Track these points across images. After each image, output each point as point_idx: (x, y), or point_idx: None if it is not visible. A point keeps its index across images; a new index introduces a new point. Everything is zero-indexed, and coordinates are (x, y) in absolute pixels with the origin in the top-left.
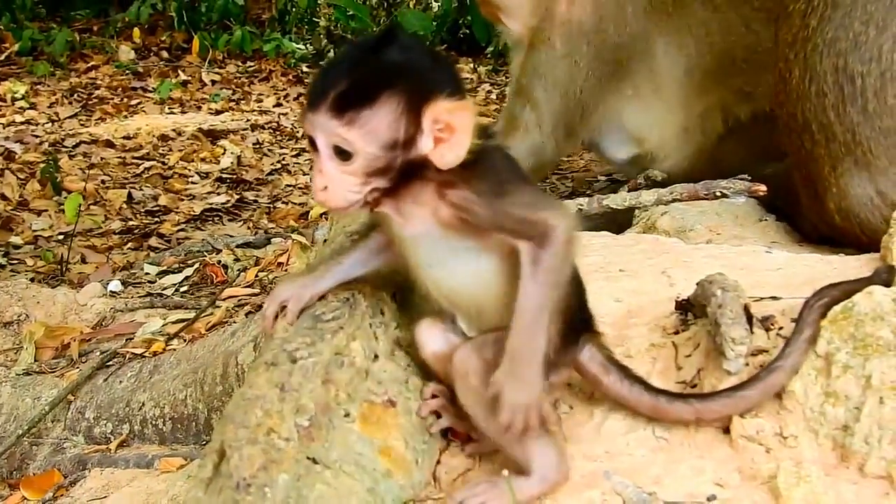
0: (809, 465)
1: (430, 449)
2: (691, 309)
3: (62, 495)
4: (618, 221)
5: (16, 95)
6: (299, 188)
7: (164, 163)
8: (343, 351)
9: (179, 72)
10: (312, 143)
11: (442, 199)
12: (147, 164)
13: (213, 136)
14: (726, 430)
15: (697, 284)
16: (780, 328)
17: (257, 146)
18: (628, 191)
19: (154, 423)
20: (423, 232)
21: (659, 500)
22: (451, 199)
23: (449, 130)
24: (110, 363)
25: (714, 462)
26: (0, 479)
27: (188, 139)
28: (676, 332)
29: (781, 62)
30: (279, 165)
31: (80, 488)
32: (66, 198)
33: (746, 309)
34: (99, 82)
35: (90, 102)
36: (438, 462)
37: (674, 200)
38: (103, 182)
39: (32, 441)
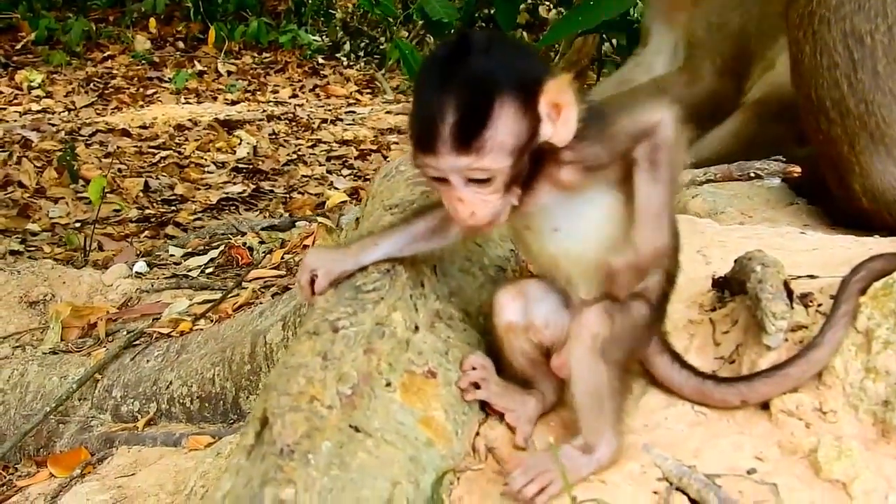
0: (850, 439)
1: (469, 420)
2: (728, 286)
3: (89, 472)
4: None
5: (32, 84)
6: (315, 178)
7: (180, 152)
8: (384, 321)
9: (195, 62)
10: (437, 179)
11: (559, 164)
12: (163, 153)
13: (229, 126)
14: (765, 406)
15: (735, 261)
16: (819, 304)
17: (273, 137)
18: None
19: (181, 401)
20: (546, 202)
21: (698, 473)
22: (567, 160)
23: (558, 109)
24: (137, 342)
25: (753, 437)
26: (27, 456)
27: (204, 129)
28: (713, 310)
29: (793, 45)
30: (295, 156)
31: (107, 465)
32: (83, 186)
33: (786, 284)
34: (115, 72)
35: (106, 92)
36: (477, 433)
37: (708, 181)
38: (120, 171)
39: (59, 419)
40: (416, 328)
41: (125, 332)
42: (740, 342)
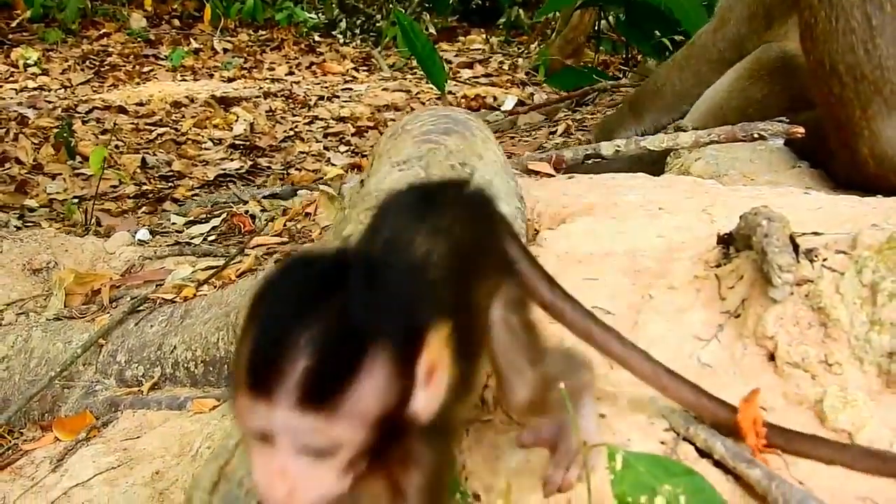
0: (855, 390)
1: (477, 369)
2: (734, 243)
3: (95, 436)
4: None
5: (28, 62)
6: (312, 155)
7: (177, 129)
8: None
9: (191, 40)
10: (259, 434)
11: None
12: (160, 130)
13: (226, 103)
14: (771, 358)
15: (741, 217)
16: (825, 259)
17: (270, 113)
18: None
19: (186, 365)
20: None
21: (705, 424)
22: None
23: (433, 372)
24: (141, 308)
25: (759, 388)
26: (32, 421)
27: (201, 106)
28: (719, 266)
29: (806, 9)
30: (292, 133)
31: (112, 429)
32: (80, 162)
33: (792, 239)
34: (111, 49)
35: (102, 69)
36: (486, 385)
37: (712, 142)
38: (117, 147)
39: (64, 384)
40: None
41: (129, 299)
42: (746, 296)
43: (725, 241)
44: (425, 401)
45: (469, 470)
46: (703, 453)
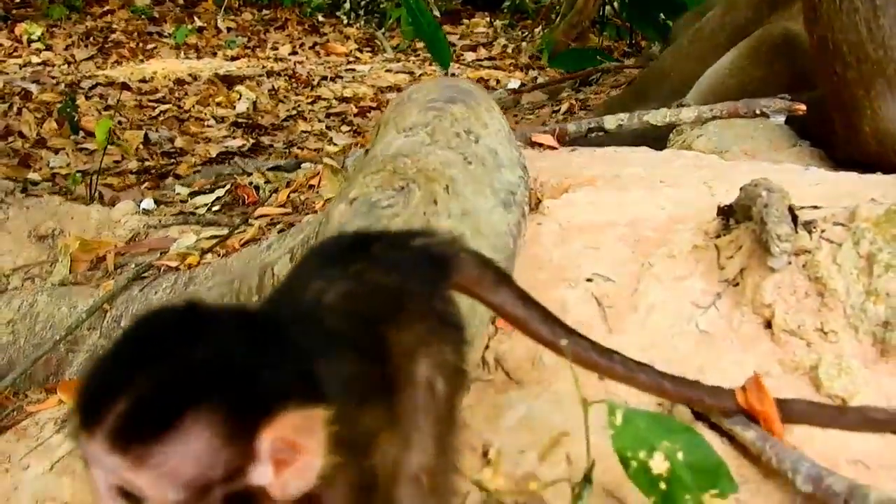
0: (850, 358)
1: (479, 333)
2: (733, 214)
3: None
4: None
5: (32, 37)
6: (314, 134)
7: (179, 106)
8: None
9: (195, 18)
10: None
11: None
12: (163, 107)
13: (229, 81)
14: (768, 325)
15: (741, 189)
16: (823, 231)
17: (273, 92)
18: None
19: None
20: None
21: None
22: None
23: (295, 451)
24: (145, 275)
25: (756, 355)
26: (37, 384)
27: (204, 84)
28: (718, 236)
29: None
30: (294, 112)
31: None
32: (83, 137)
33: (791, 209)
34: (115, 26)
35: (106, 46)
36: (487, 347)
37: (714, 118)
38: (120, 123)
39: (69, 348)
40: None
41: (133, 266)
42: (744, 266)
43: (725, 212)
44: (278, 480)
45: (471, 427)
46: (699, 415)
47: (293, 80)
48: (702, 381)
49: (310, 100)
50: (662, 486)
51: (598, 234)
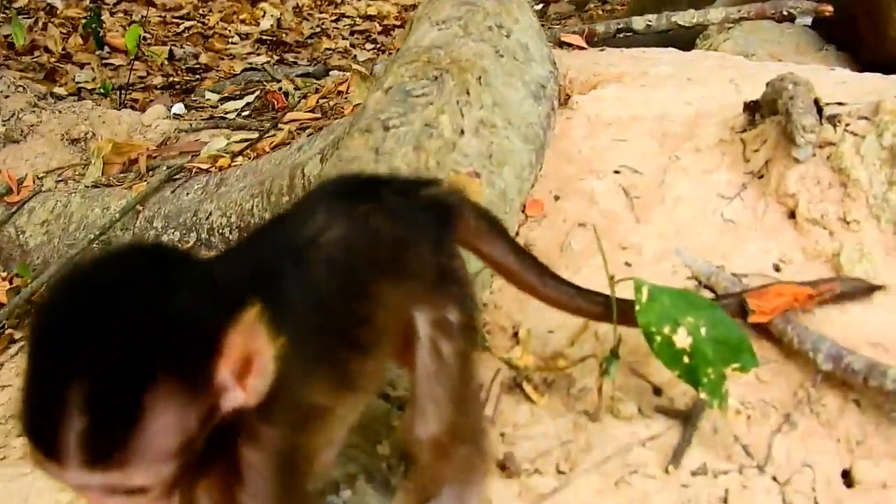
0: (871, 245)
1: (510, 219)
2: (759, 110)
3: None
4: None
5: None
6: (338, 52)
7: (204, 23)
8: (432, 123)
9: None
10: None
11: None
12: (188, 23)
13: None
14: (792, 215)
15: (767, 84)
16: (847, 124)
17: (297, 10)
18: None
19: (221, 231)
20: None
21: (726, 272)
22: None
23: (249, 361)
24: (177, 177)
25: (779, 243)
26: None
27: (228, 1)
28: (744, 131)
29: None
30: (318, 29)
31: None
32: (108, 52)
33: (816, 102)
34: None
35: None
36: (517, 233)
37: (741, 19)
38: (145, 39)
39: (101, 248)
40: (462, 132)
41: (165, 168)
42: (769, 158)
43: (751, 108)
44: (248, 391)
45: (500, 307)
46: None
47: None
48: (726, 267)
49: (334, 17)
50: (686, 359)
51: (625, 128)
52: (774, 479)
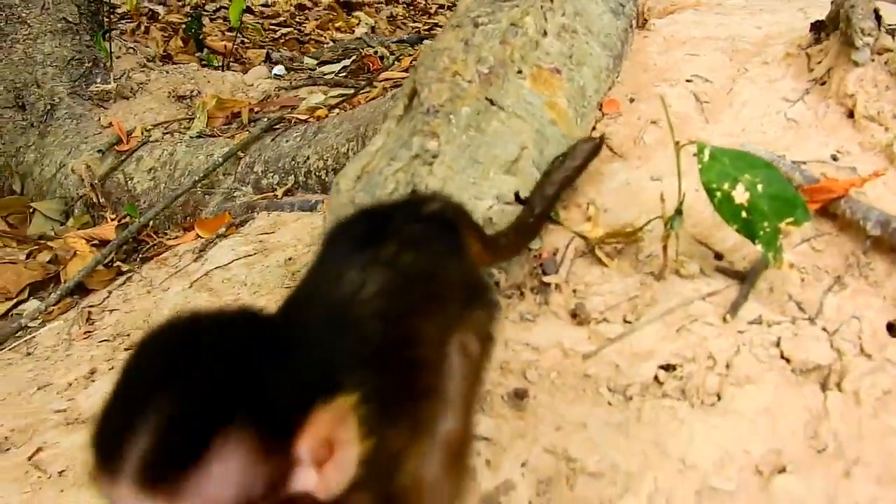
0: None
1: (587, 114)
2: (825, 29)
3: (233, 233)
4: None
5: None
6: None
7: (300, 30)
8: (518, 23)
9: None
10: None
11: None
12: (284, 30)
13: (349, 7)
14: (850, 115)
15: (832, 3)
16: None
17: (391, 19)
18: None
19: (317, 174)
20: None
21: (787, 160)
22: None
23: (330, 448)
24: (277, 126)
25: (838, 138)
26: (175, 223)
27: (324, 9)
28: (809, 47)
29: None
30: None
31: (249, 227)
32: (208, 53)
33: (876, 11)
34: None
35: None
36: (594, 128)
37: None
38: (243, 43)
39: (205, 191)
40: (545, 33)
41: (266, 120)
42: (832, 66)
43: (817, 27)
44: (321, 480)
45: (575, 187)
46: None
47: (411, 7)
48: (787, 155)
49: (427, 27)
50: (744, 214)
51: (698, 46)
52: (824, 329)
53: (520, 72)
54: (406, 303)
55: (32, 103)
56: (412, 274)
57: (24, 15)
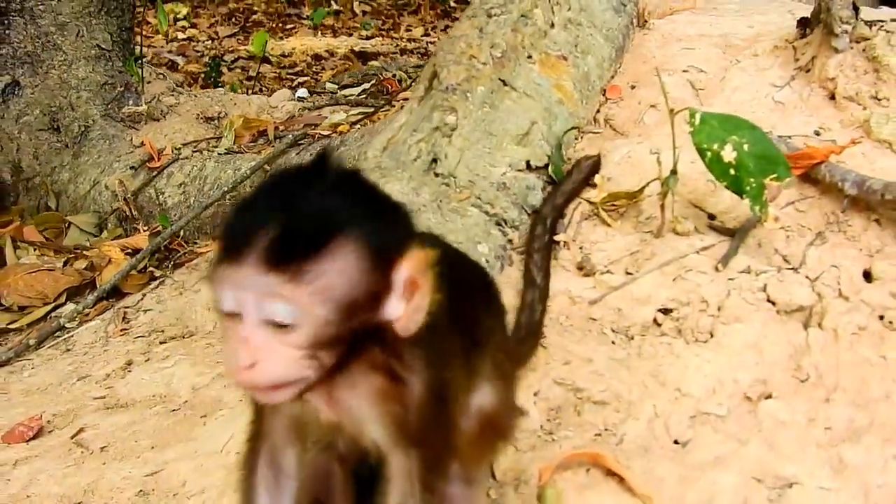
0: None
1: (592, 97)
2: (810, 24)
3: None
4: None
5: (178, 17)
6: None
7: (317, 79)
8: (528, 14)
9: (332, 2)
10: (229, 313)
11: (390, 368)
12: (301, 79)
13: (364, 57)
14: (832, 97)
15: (817, 1)
16: (881, 25)
17: (404, 70)
18: None
19: None
20: (360, 414)
21: (774, 135)
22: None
23: (414, 289)
24: (301, 141)
25: (820, 117)
26: (205, 234)
27: (340, 60)
28: (796, 41)
29: None
30: None
31: None
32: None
33: (854, 2)
34: (255, 8)
35: (247, 25)
36: (598, 111)
37: None
38: (261, 90)
39: (233, 203)
40: (552, 25)
41: (291, 136)
42: (815, 55)
43: (803, 23)
44: (404, 313)
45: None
46: None
47: (426, 56)
48: (773, 131)
49: None
50: (732, 171)
51: (694, 41)
52: (807, 276)
53: (529, 57)
54: (465, 285)
55: (67, 125)
56: (464, 274)
57: (59, 42)
